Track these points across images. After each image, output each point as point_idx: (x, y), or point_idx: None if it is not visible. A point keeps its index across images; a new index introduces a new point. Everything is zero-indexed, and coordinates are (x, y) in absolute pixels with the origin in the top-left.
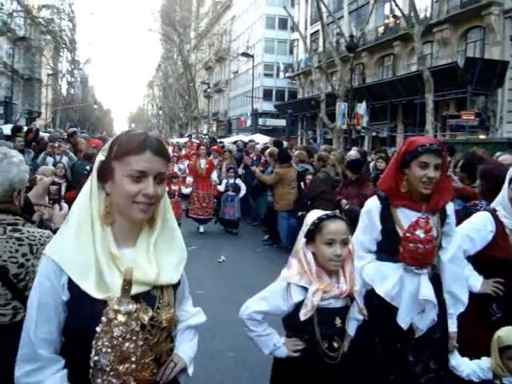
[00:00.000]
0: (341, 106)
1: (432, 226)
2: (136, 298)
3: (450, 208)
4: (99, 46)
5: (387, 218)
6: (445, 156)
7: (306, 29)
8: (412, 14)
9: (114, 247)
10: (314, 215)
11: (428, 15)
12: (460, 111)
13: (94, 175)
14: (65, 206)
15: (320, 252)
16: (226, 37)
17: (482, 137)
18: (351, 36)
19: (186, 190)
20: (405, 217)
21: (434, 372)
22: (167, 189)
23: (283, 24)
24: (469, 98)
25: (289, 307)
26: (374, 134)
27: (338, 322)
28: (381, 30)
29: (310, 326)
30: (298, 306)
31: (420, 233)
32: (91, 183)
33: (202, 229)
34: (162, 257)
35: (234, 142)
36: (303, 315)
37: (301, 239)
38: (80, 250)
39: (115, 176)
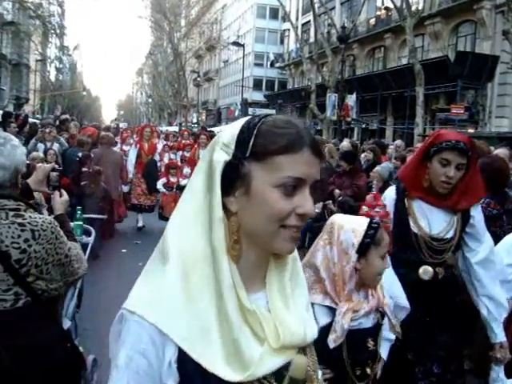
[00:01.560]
0: (331, 97)
1: (383, 204)
2: (278, 376)
3: (476, 209)
4: (88, 32)
5: (401, 211)
6: (472, 155)
7: (297, 19)
8: (404, 7)
9: (245, 296)
10: (356, 222)
11: (420, 8)
12: (450, 105)
13: (215, 184)
14: (65, 193)
15: (371, 267)
16: (216, 26)
17: (470, 131)
18: (343, 27)
19: (184, 182)
20: (420, 210)
21: (436, 376)
22: (165, 181)
23: (274, 14)
24: (459, 91)
25: None
26: (363, 125)
27: (370, 344)
28: (372, 21)
29: (338, 354)
30: (323, 330)
31: (364, 207)
32: (212, 196)
33: None
34: (297, 301)
35: None
36: (333, 342)
37: (319, 251)
38: (194, 304)
39: (253, 185)
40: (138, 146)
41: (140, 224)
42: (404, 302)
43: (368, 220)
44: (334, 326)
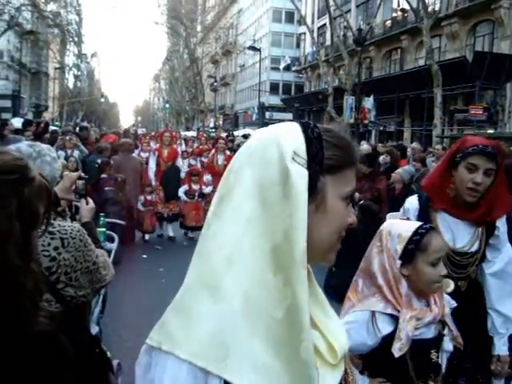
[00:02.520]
0: (348, 100)
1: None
2: None
3: (501, 219)
4: (106, 39)
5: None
6: (500, 161)
7: (312, 22)
8: (420, 8)
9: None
10: (404, 227)
11: (437, 8)
12: (468, 106)
13: (300, 201)
14: (91, 200)
15: (421, 275)
16: (232, 30)
17: (489, 131)
18: (359, 29)
19: (207, 189)
20: (445, 223)
21: None
22: (187, 188)
23: (290, 17)
24: (477, 92)
25: (375, 342)
26: (381, 128)
27: (433, 355)
28: (388, 23)
29: (400, 364)
30: (385, 339)
31: None
32: (296, 216)
33: None
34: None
35: (245, 136)
36: (398, 351)
37: (374, 258)
38: (256, 339)
39: (327, 199)
40: (157, 152)
41: (160, 232)
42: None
43: (417, 225)
44: (399, 334)
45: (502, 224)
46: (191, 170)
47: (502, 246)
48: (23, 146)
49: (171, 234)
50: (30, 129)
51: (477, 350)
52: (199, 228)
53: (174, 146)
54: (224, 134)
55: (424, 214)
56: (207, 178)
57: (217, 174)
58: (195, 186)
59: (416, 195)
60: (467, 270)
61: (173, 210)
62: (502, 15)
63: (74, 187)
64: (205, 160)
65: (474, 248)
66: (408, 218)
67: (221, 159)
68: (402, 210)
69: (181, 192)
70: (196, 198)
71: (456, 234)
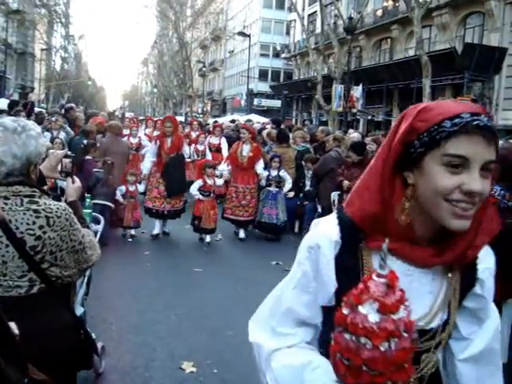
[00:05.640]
0: (337, 89)
1: (403, 298)
2: None
3: (488, 263)
4: (94, 21)
5: (351, 270)
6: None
7: (303, 9)
8: None
9: None
10: None
11: None
12: (456, 97)
13: None
14: (77, 179)
15: None
16: (222, 16)
17: None
18: (349, 18)
19: (219, 182)
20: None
21: None
22: (201, 184)
23: (280, 4)
24: (465, 83)
25: None
26: (369, 117)
27: None
28: (379, 12)
29: None
30: None
31: (369, 310)
32: None
33: (242, 234)
34: None
35: (232, 121)
36: None
37: None
38: None
39: None
40: (158, 142)
41: (156, 231)
42: None
43: None
44: None
45: (488, 274)
46: (204, 162)
47: (485, 311)
48: (7, 121)
49: (166, 229)
50: (20, 109)
51: None
52: (215, 230)
53: (178, 133)
54: (212, 120)
55: (349, 256)
56: (223, 168)
57: (239, 167)
58: (210, 181)
59: (335, 216)
60: (420, 364)
61: (175, 206)
62: (493, 7)
63: (60, 166)
64: (200, 148)
65: (437, 322)
66: (316, 269)
67: (246, 150)
68: (306, 245)
69: (194, 189)
70: (212, 194)
71: (407, 294)
